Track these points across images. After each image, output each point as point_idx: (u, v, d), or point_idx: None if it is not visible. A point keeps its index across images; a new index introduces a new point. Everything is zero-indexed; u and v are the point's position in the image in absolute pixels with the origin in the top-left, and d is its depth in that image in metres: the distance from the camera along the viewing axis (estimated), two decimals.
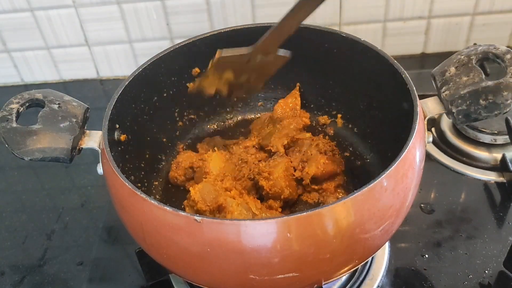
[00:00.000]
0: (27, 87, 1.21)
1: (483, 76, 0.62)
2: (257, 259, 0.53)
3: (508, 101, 0.61)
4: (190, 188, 0.73)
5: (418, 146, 0.60)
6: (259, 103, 0.92)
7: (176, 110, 0.86)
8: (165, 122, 0.84)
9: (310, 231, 0.52)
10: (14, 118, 0.65)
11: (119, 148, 0.73)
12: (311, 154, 0.77)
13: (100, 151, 0.66)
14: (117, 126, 0.72)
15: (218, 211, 0.70)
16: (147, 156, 0.81)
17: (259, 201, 0.74)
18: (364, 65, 0.75)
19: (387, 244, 0.77)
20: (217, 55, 0.68)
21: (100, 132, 0.67)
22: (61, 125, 0.65)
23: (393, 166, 0.55)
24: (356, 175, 0.80)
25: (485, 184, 0.86)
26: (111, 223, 0.87)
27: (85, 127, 0.68)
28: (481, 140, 0.90)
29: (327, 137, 0.85)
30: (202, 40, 0.80)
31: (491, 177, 0.86)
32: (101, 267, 0.80)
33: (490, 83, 0.62)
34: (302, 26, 0.79)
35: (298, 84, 0.88)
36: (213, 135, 0.90)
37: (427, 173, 0.82)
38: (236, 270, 0.55)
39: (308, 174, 0.75)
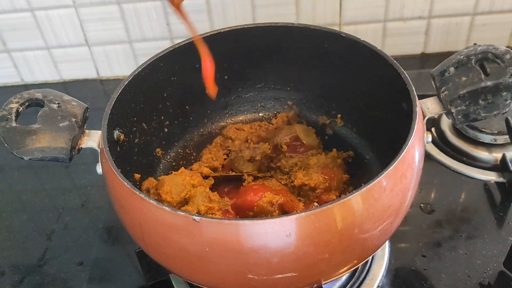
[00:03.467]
0: (27, 87, 1.21)
1: (482, 76, 0.62)
2: (256, 259, 0.53)
3: (507, 101, 0.61)
4: (163, 177, 0.74)
5: (417, 146, 0.60)
6: (259, 104, 0.92)
7: (176, 110, 0.85)
8: (165, 122, 0.84)
9: (309, 231, 0.52)
10: (13, 118, 0.65)
11: (119, 148, 0.73)
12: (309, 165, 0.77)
13: (99, 150, 0.66)
14: (116, 126, 0.72)
15: (182, 204, 0.71)
16: (146, 155, 0.81)
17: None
18: (364, 65, 0.75)
19: (387, 244, 0.77)
20: None
21: (99, 132, 0.67)
22: (61, 124, 0.65)
23: (392, 166, 0.55)
24: (356, 175, 0.80)
25: (485, 184, 0.85)
26: (111, 223, 0.87)
27: (85, 127, 0.68)
28: (481, 140, 0.90)
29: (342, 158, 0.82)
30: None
31: (491, 177, 0.86)
32: (101, 267, 0.80)
33: (489, 83, 0.62)
34: (302, 26, 0.80)
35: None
36: (214, 135, 0.90)
37: (427, 173, 0.82)
38: (235, 270, 0.55)
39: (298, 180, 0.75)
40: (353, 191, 0.53)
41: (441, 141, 0.94)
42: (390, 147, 0.62)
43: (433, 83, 0.67)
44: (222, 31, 0.81)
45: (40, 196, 0.95)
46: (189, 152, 0.88)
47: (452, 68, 0.65)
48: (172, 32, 1.11)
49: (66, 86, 1.20)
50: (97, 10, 1.08)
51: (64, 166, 0.98)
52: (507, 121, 0.85)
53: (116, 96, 0.70)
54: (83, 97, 0.75)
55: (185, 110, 0.87)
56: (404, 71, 0.67)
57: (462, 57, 0.65)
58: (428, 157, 0.90)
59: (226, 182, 0.80)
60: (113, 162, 0.61)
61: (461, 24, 1.08)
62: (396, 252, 0.76)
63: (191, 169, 0.81)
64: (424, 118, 0.64)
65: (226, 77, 0.87)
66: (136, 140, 0.78)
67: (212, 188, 0.76)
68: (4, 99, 0.67)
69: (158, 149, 0.84)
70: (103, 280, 0.79)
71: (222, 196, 0.75)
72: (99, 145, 0.66)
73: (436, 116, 0.88)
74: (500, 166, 0.87)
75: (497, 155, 0.88)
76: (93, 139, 0.67)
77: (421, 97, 0.66)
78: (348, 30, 1.09)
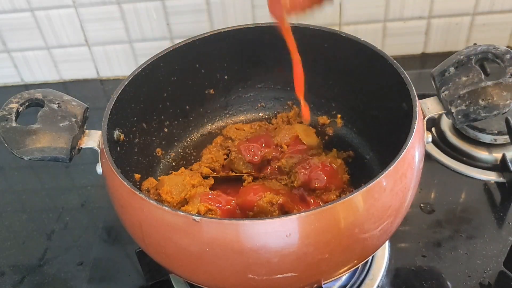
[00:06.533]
0: (27, 87, 1.21)
1: (483, 76, 0.63)
2: (256, 259, 0.53)
3: (507, 101, 0.61)
4: (163, 177, 0.74)
5: (417, 146, 0.60)
6: (259, 104, 0.92)
7: (176, 110, 0.85)
8: (165, 122, 0.84)
9: (309, 231, 0.52)
10: (13, 118, 0.65)
11: (119, 148, 0.73)
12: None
13: (99, 150, 0.66)
14: (116, 126, 0.72)
15: (182, 204, 0.72)
16: (146, 156, 0.81)
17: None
18: (364, 65, 0.75)
19: (387, 244, 0.77)
20: None
21: (99, 132, 0.67)
22: (61, 124, 0.65)
23: (392, 166, 0.55)
24: (356, 175, 0.80)
25: (485, 184, 0.85)
26: (111, 223, 0.87)
27: (85, 127, 0.68)
28: (481, 140, 0.90)
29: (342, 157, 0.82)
30: (202, 40, 0.80)
31: (491, 177, 0.86)
32: (101, 267, 0.80)
33: (489, 83, 0.62)
34: (302, 26, 0.79)
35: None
36: (214, 135, 0.90)
37: (427, 173, 0.82)
38: (235, 270, 0.55)
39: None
40: (354, 191, 0.53)
41: (441, 141, 0.94)
42: (390, 147, 0.62)
43: (433, 83, 0.67)
44: (222, 31, 0.81)
45: (40, 196, 0.95)
46: (189, 152, 0.88)
47: (452, 68, 0.65)
48: (172, 32, 1.11)
49: (66, 86, 1.20)
50: (97, 10, 1.08)
51: (64, 166, 0.98)
52: (507, 121, 0.85)
53: (116, 96, 0.70)
54: (83, 97, 0.74)
55: (185, 110, 0.87)
56: (404, 71, 0.67)
57: (462, 57, 0.65)
58: (428, 157, 0.90)
59: (226, 182, 0.80)
60: (113, 162, 0.61)
61: (461, 24, 1.08)
62: (396, 252, 0.76)
63: (191, 169, 0.81)
64: (424, 118, 0.64)
65: (226, 77, 0.87)
66: (136, 140, 0.78)
67: (212, 188, 0.76)
68: (4, 99, 0.67)
69: (158, 149, 0.84)
70: (103, 280, 0.79)
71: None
72: (99, 145, 0.66)
73: (436, 116, 0.88)
74: (500, 166, 0.87)
75: (497, 155, 0.88)
76: (93, 139, 0.67)
77: (421, 97, 0.66)
78: (348, 30, 1.09)
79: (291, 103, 0.91)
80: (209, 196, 0.71)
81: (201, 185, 0.74)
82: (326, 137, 0.87)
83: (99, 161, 0.66)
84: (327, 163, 0.75)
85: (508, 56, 0.63)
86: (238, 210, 0.71)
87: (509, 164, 0.84)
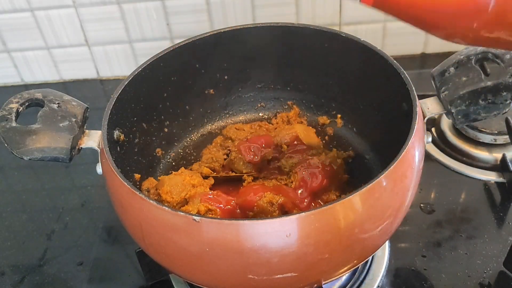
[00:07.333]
0: (27, 87, 1.21)
1: (483, 76, 0.63)
2: (256, 259, 0.53)
3: (507, 101, 0.61)
4: (163, 177, 0.74)
5: (417, 146, 0.60)
6: (259, 104, 0.92)
7: (176, 110, 0.85)
8: (165, 122, 0.84)
9: (309, 231, 0.52)
10: (13, 118, 0.65)
11: (119, 148, 0.73)
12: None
13: (99, 150, 0.66)
14: (116, 126, 0.72)
15: (182, 204, 0.71)
16: (146, 156, 0.81)
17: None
18: (364, 65, 0.75)
19: (387, 244, 0.77)
20: None
21: (99, 132, 0.67)
22: (61, 124, 0.65)
23: (392, 166, 0.55)
24: (356, 175, 0.80)
25: (485, 184, 0.85)
26: (111, 223, 0.87)
27: (85, 127, 0.68)
28: (481, 140, 0.90)
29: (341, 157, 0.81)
30: (202, 40, 0.80)
31: (491, 177, 0.86)
32: (101, 267, 0.80)
33: (489, 83, 0.62)
34: (302, 26, 0.80)
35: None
36: (214, 135, 0.90)
37: (427, 173, 0.82)
38: (235, 270, 0.55)
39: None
40: (353, 191, 0.53)
41: (441, 141, 0.94)
42: (390, 147, 0.62)
43: (433, 83, 0.67)
44: (222, 31, 0.80)
45: (40, 196, 0.95)
46: (189, 152, 0.88)
47: (452, 68, 0.65)
48: (172, 32, 1.11)
49: (66, 86, 1.20)
50: (97, 10, 1.08)
51: (64, 166, 0.98)
52: (507, 121, 0.85)
53: (116, 96, 0.70)
54: (83, 97, 0.75)
55: (185, 110, 0.87)
56: (404, 71, 0.67)
57: (462, 57, 0.65)
58: (428, 157, 0.90)
59: (226, 182, 0.80)
60: (113, 162, 0.61)
61: None
62: (396, 252, 0.76)
63: (191, 169, 0.81)
64: (424, 118, 0.64)
65: (226, 77, 0.87)
66: (136, 140, 0.78)
67: (212, 188, 0.76)
68: (4, 99, 0.67)
69: (158, 149, 0.84)
70: (103, 280, 0.79)
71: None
72: (99, 145, 0.66)
73: (436, 116, 0.89)
74: (500, 166, 0.87)
75: (497, 155, 0.88)
76: (93, 139, 0.67)
77: (421, 97, 0.66)
78: (348, 30, 1.09)
79: (291, 103, 0.91)
80: (209, 196, 0.71)
81: (201, 185, 0.74)
82: (326, 137, 0.87)
83: (99, 161, 0.66)
84: (327, 163, 0.75)
85: (508, 56, 0.63)
86: (238, 210, 0.71)
87: (509, 164, 0.84)
